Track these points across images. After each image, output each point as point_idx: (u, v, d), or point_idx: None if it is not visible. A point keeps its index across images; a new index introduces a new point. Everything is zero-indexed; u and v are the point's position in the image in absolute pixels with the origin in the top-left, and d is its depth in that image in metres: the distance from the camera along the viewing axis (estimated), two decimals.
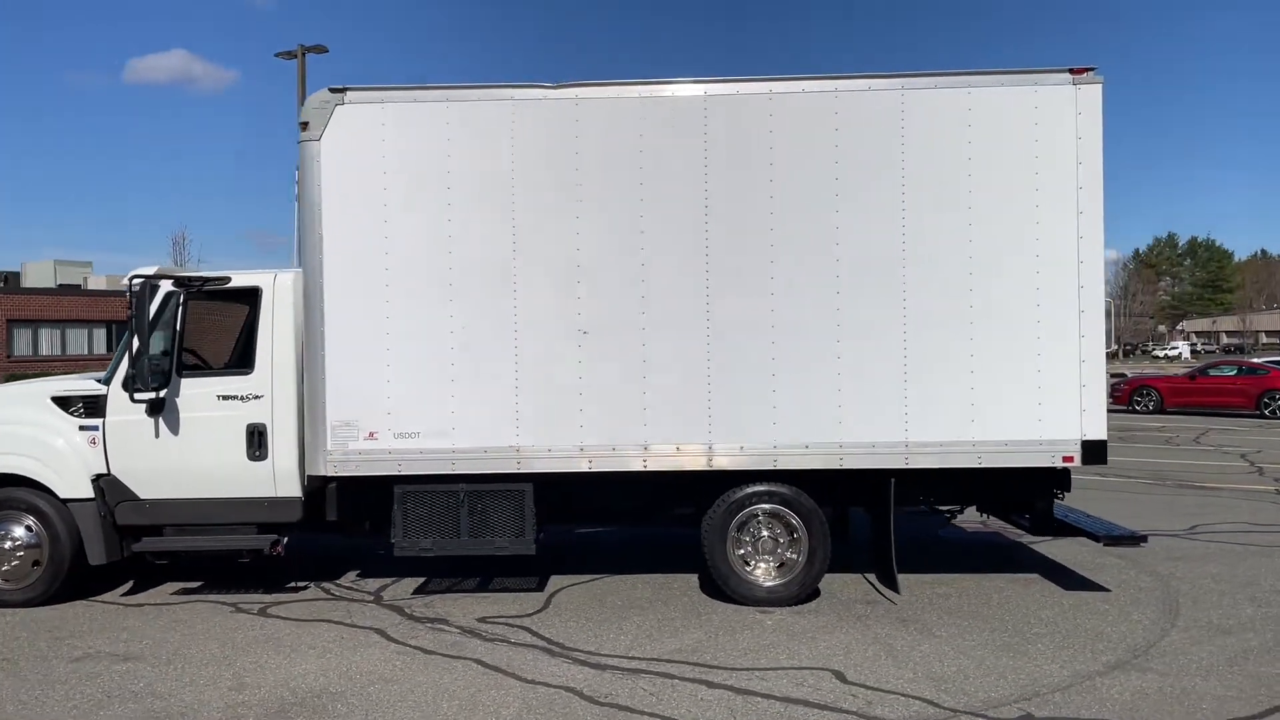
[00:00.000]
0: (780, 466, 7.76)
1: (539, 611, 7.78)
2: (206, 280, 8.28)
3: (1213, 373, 28.23)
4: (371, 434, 7.80)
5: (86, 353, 40.37)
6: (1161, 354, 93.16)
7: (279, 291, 8.14)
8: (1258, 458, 17.38)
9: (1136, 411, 27.28)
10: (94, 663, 6.69)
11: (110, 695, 6.09)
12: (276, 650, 6.90)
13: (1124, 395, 27.97)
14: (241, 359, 8.38)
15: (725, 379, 7.73)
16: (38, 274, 47.05)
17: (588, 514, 8.84)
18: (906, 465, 7.71)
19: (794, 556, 7.87)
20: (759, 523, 7.89)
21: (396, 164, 7.78)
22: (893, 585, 7.95)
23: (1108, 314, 7.74)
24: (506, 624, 7.44)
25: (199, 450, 8.02)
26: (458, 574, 8.87)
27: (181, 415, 8.04)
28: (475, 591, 8.41)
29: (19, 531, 8.01)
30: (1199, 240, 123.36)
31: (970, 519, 9.36)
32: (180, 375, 8.10)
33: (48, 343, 40.95)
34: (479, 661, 6.60)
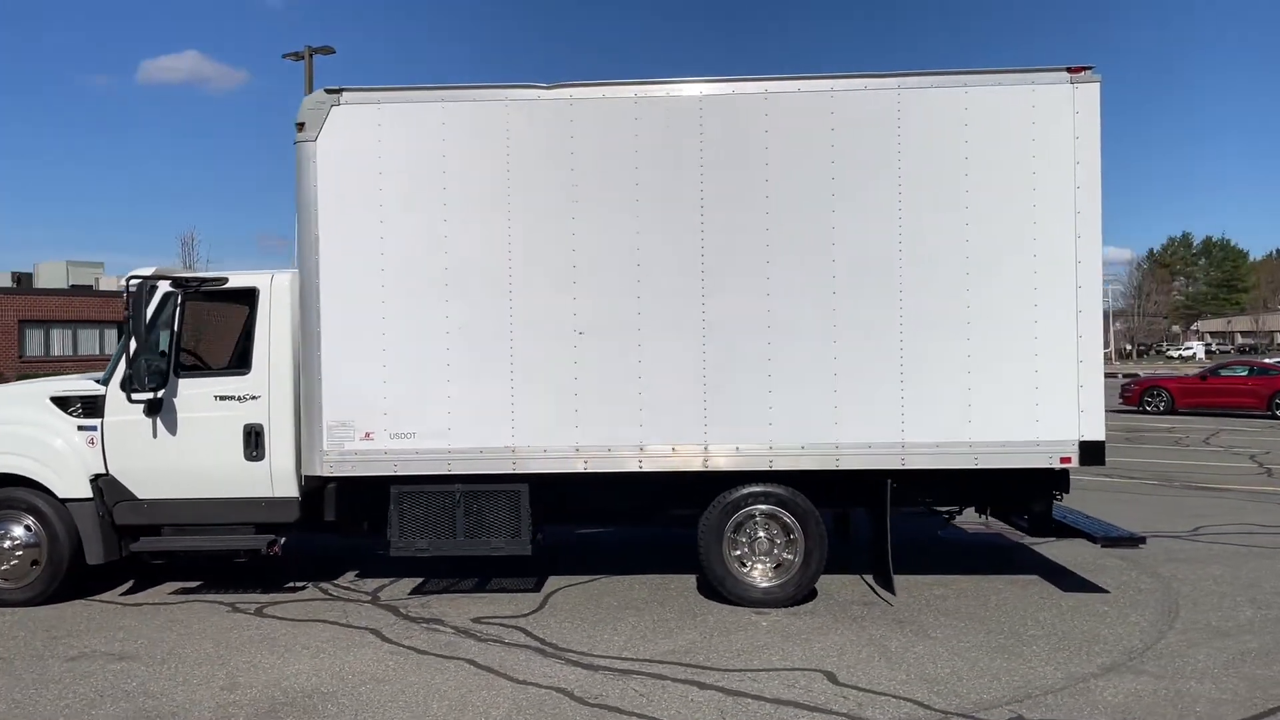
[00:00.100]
0: (776, 467, 7.74)
1: (534, 612, 7.78)
2: (204, 281, 8.31)
3: (1224, 373, 28.07)
4: (368, 434, 7.81)
5: (98, 353, 40.51)
6: (1176, 354, 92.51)
7: (276, 292, 8.16)
8: (1267, 459, 17.27)
9: (1147, 412, 27.11)
10: (89, 662, 6.72)
11: (103, 694, 6.11)
12: (271, 650, 6.91)
13: (1134, 396, 27.79)
14: (239, 359, 8.40)
15: (721, 379, 7.71)
16: (50, 274, 47.24)
17: (584, 514, 8.84)
18: (903, 466, 7.69)
19: (790, 557, 7.84)
20: (755, 524, 7.87)
21: (392, 164, 7.79)
22: (889, 586, 7.92)
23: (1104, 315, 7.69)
24: (501, 624, 7.44)
25: (196, 450, 8.05)
26: (456, 574, 8.87)
27: (179, 415, 8.07)
28: (472, 592, 8.41)
29: (18, 531, 8.05)
30: (1214, 240, 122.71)
31: (972, 520, 9.32)
32: (178, 375, 8.13)
33: (59, 343, 41.15)
34: (471, 662, 6.60)
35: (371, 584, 8.70)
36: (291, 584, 8.68)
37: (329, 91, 7.84)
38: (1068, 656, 6.58)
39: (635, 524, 9.47)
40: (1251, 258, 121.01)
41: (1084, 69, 7.61)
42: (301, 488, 8.09)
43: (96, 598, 8.31)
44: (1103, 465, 7.79)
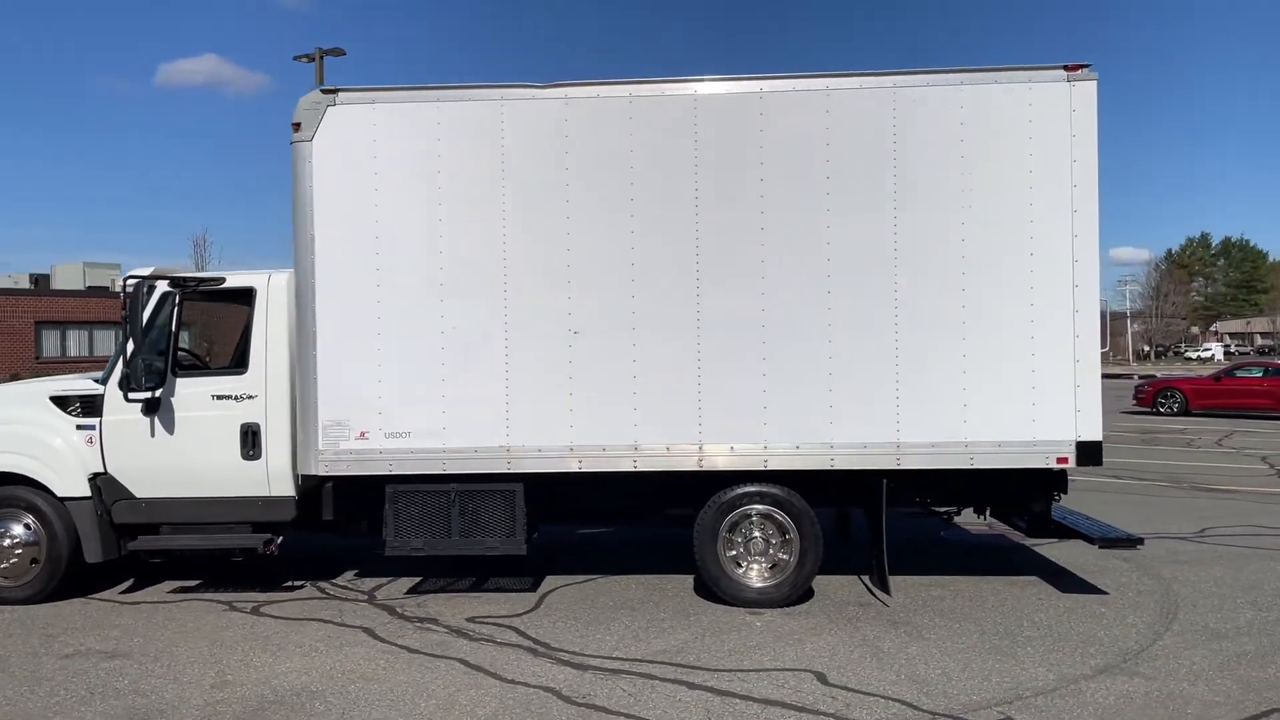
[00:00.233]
0: (771, 467, 7.71)
1: (529, 611, 7.77)
2: (201, 281, 8.35)
3: (1239, 374, 27.83)
4: (363, 434, 7.82)
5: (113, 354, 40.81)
6: (1194, 356, 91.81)
7: (273, 292, 8.19)
8: (1278, 461, 17.11)
9: (1160, 414, 26.90)
10: (82, 660, 6.75)
11: (93, 692, 6.14)
12: (264, 649, 6.93)
13: (1148, 397, 27.58)
14: (236, 359, 8.43)
15: (716, 379, 7.69)
16: (67, 276, 47.55)
17: (579, 514, 8.84)
18: (898, 466, 7.65)
19: (785, 557, 7.82)
20: (750, 523, 7.84)
21: (388, 164, 7.80)
22: (885, 587, 7.88)
23: (1102, 314, 7.63)
24: (495, 624, 7.44)
25: (193, 449, 8.08)
26: (454, 574, 8.88)
27: (176, 415, 8.10)
28: (469, 591, 8.42)
29: (17, 529, 8.10)
30: (1232, 240, 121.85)
31: (975, 522, 9.26)
32: (175, 375, 8.16)
33: (76, 344, 41.43)
34: (462, 661, 6.60)
35: (370, 583, 8.72)
36: (289, 583, 8.71)
37: (325, 92, 7.87)
38: (1061, 658, 6.53)
39: (631, 524, 9.45)
40: (1271, 258, 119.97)
41: (1081, 67, 7.55)
42: (298, 487, 8.11)
43: (95, 596, 8.36)
44: (1100, 466, 7.71)
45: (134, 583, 8.77)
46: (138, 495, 8.12)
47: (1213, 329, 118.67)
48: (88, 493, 8.07)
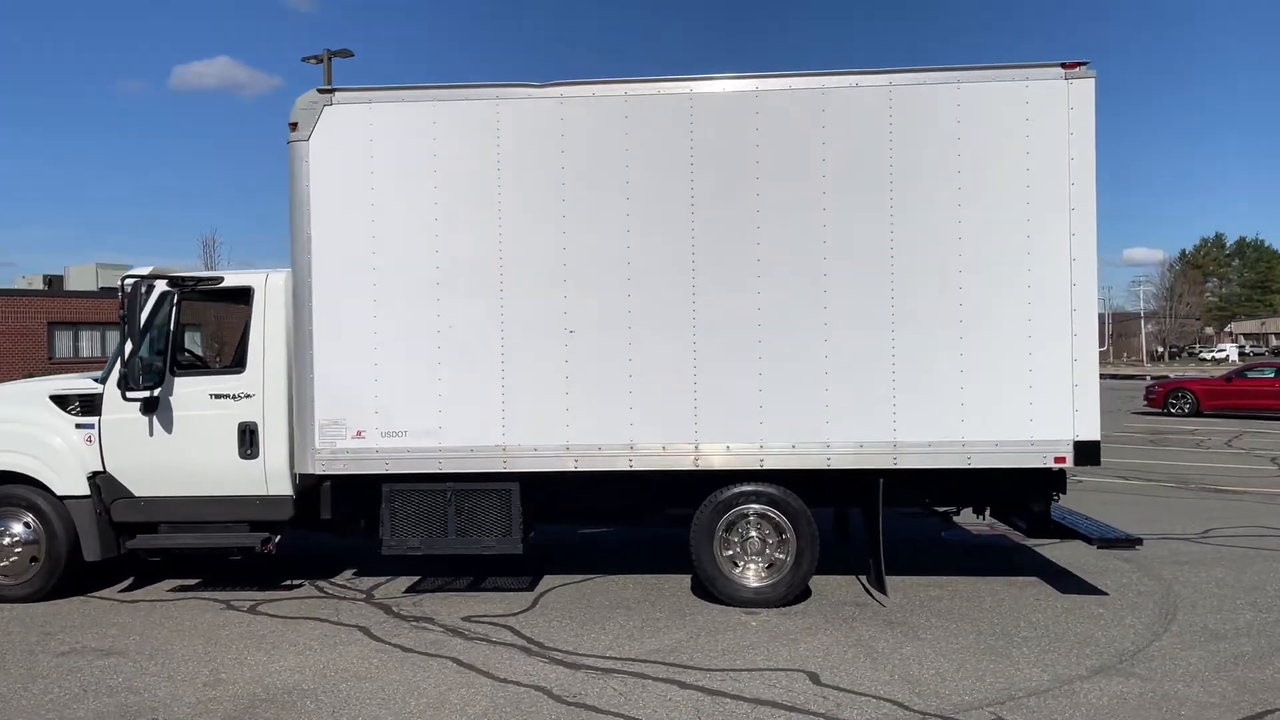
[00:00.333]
0: (767, 466, 7.69)
1: (525, 611, 7.77)
2: (200, 280, 8.37)
3: (1250, 375, 27.66)
4: (359, 433, 7.83)
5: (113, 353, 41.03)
6: (1208, 357, 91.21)
7: (270, 291, 8.21)
8: None
9: (1171, 414, 26.74)
10: (78, 657, 6.78)
11: (87, 689, 6.16)
12: (259, 647, 6.95)
13: (1159, 398, 27.42)
14: (235, 358, 8.45)
15: (712, 378, 7.67)
16: (80, 277, 47.89)
17: (576, 513, 8.82)
18: (895, 465, 7.61)
19: (782, 557, 7.79)
20: (747, 523, 7.82)
21: (384, 164, 7.81)
22: (881, 587, 7.85)
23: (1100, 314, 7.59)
24: (490, 623, 7.44)
25: (191, 448, 8.11)
26: (453, 573, 8.88)
27: (175, 414, 8.12)
28: (466, 590, 8.42)
29: (17, 528, 8.14)
30: (1247, 240, 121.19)
31: (976, 521, 9.20)
32: (174, 374, 8.19)
33: (88, 344, 41.64)
34: (455, 660, 6.60)
35: (368, 582, 8.73)
36: (288, 582, 8.72)
37: (321, 91, 7.88)
38: (1056, 658, 6.49)
39: (627, 523, 9.43)
40: None
41: (1079, 65, 7.51)
42: (296, 486, 8.12)
43: (94, 594, 8.39)
44: (1098, 465, 7.66)
45: (133, 581, 8.80)
46: (136, 494, 8.15)
47: (1227, 330, 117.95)
48: (87, 491, 8.11)
